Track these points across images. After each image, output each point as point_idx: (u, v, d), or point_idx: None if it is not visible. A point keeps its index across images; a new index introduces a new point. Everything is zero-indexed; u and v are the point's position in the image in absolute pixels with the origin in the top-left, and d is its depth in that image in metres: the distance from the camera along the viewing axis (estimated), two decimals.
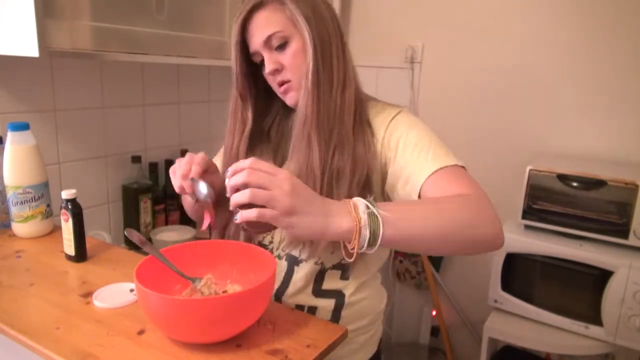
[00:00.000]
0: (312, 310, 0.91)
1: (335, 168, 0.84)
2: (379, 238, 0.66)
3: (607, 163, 1.60)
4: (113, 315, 0.80)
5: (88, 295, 0.86)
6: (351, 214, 0.66)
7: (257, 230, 0.77)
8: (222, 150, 1.05)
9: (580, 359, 1.55)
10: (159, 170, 1.63)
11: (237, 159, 0.86)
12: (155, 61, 1.37)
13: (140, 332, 0.75)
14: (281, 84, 0.88)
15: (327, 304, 0.91)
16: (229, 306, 0.68)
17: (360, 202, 0.68)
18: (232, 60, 0.90)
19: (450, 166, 0.81)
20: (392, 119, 0.88)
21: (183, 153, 1.67)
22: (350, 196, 0.72)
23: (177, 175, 0.82)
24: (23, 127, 1.06)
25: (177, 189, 0.83)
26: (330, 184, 0.84)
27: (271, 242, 0.94)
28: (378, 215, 0.66)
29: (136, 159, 1.51)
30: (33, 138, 1.08)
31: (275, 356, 0.70)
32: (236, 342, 0.72)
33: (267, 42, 0.85)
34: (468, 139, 1.91)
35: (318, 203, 0.67)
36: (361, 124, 0.88)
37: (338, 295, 0.92)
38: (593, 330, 1.41)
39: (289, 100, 0.89)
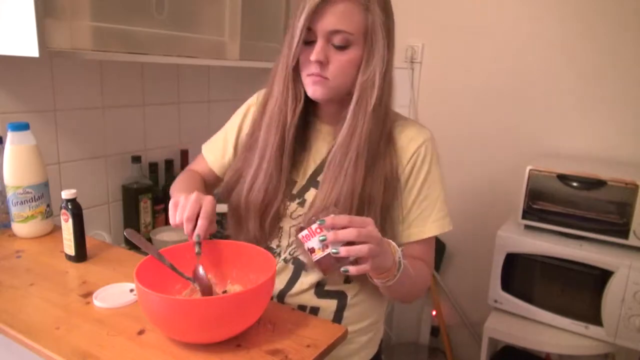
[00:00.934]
0: (315, 310, 0.91)
1: (368, 193, 0.85)
2: (394, 279, 0.78)
3: (607, 163, 1.60)
4: (113, 315, 0.80)
5: (88, 295, 0.86)
6: (394, 257, 0.77)
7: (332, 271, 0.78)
8: (217, 143, 1.05)
9: (580, 359, 1.55)
10: (159, 170, 1.63)
11: (288, 132, 0.87)
12: (155, 61, 1.37)
13: (140, 332, 0.75)
14: (317, 75, 0.84)
15: (329, 305, 0.91)
16: (229, 306, 0.68)
17: (396, 248, 0.78)
18: (297, 29, 0.81)
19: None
20: (418, 148, 0.89)
21: (183, 153, 1.68)
22: (375, 219, 0.79)
23: (182, 217, 0.79)
24: (23, 127, 1.06)
25: (175, 225, 0.80)
26: (361, 209, 0.85)
27: (278, 246, 0.94)
28: (402, 267, 0.78)
29: (136, 159, 1.51)
30: (33, 138, 1.08)
31: (275, 356, 0.70)
32: (236, 342, 0.72)
33: (331, 34, 0.81)
34: (468, 139, 1.91)
35: (385, 244, 0.76)
36: (388, 143, 0.88)
37: (341, 296, 0.92)
38: (593, 330, 1.41)
39: (314, 91, 0.85)
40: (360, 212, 0.84)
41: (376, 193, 0.85)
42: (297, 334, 0.76)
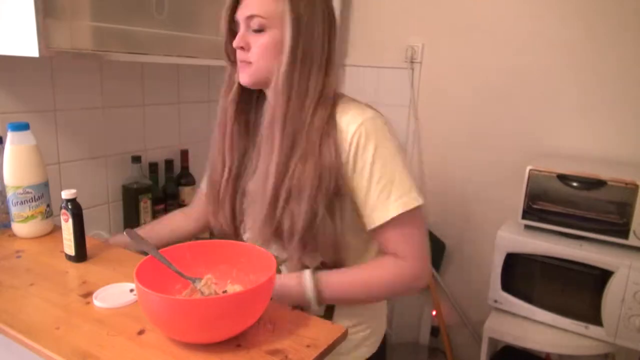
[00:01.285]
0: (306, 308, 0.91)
1: (296, 179, 0.84)
2: (322, 302, 0.87)
3: (607, 163, 1.60)
4: (113, 315, 0.80)
5: (88, 295, 0.86)
6: (299, 288, 0.85)
7: None
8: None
9: (580, 359, 1.55)
10: (159, 170, 1.63)
11: (225, 125, 0.96)
12: (155, 61, 1.37)
13: (140, 332, 0.75)
14: (242, 62, 0.89)
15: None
16: (229, 306, 0.68)
17: (307, 283, 0.85)
18: (222, 23, 0.91)
19: (407, 212, 0.84)
20: (357, 129, 0.85)
21: (183, 153, 1.68)
22: (313, 209, 0.83)
23: None
24: (23, 127, 1.06)
25: None
26: (288, 198, 0.84)
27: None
28: (316, 289, 0.85)
29: (136, 159, 1.51)
30: (33, 138, 1.08)
31: (275, 356, 0.70)
32: (236, 342, 0.72)
33: (248, 20, 0.86)
34: (468, 139, 1.91)
35: (284, 295, 0.85)
36: (330, 126, 0.86)
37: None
38: (593, 330, 1.41)
39: (241, 78, 0.91)
40: (287, 201, 0.84)
41: (306, 180, 0.83)
42: (297, 334, 0.76)
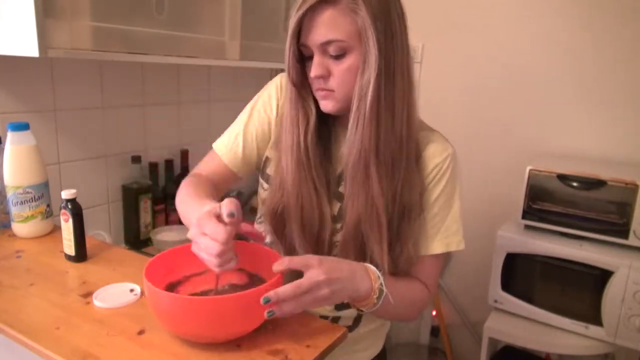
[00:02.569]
0: (336, 319, 0.93)
1: (403, 206, 0.82)
2: (375, 307, 0.78)
3: (607, 163, 1.60)
4: (113, 315, 0.80)
5: (88, 295, 0.86)
6: (369, 287, 0.76)
7: None
8: (229, 136, 0.96)
9: (580, 359, 1.55)
10: (159, 170, 1.63)
11: (305, 153, 0.83)
12: (155, 61, 1.36)
13: (140, 332, 0.75)
14: (322, 90, 0.81)
15: (349, 314, 0.93)
16: (235, 305, 0.68)
17: (377, 275, 0.77)
18: (287, 48, 0.80)
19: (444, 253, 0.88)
20: (441, 162, 0.85)
21: (183, 153, 1.68)
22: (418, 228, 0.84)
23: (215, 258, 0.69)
24: (23, 127, 1.06)
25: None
26: (399, 218, 0.82)
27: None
28: (382, 295, 0.77)
29: (136, 159, 1.51)
30: (33, 138, 1.08)
31: (275, 356, 0.70)
32: (236, 342, 0.72)
33: (324, 45, 0.77)
34: (468, 139, 1.91)
35: (348, 278, 0.74)
36: (413, 152, 0.84)
37: None
38: (593, 330, 1.41)
39: (324, 106, 0.83)
40: (400, 221, 0.82)
41: (413, 206, 0.83)
42: (297, 334, 0.76)
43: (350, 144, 0.81)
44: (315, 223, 0.85)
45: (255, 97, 0.96)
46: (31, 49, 0.99)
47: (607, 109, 1.65)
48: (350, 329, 0.93)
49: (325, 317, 0.91)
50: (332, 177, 0.89)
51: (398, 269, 0.85)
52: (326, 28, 0.76)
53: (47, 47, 1.00)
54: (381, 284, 0.77)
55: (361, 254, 0.83)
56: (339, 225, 0.87)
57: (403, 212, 0.82)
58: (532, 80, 1.75)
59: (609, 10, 1.60)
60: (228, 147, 0.96)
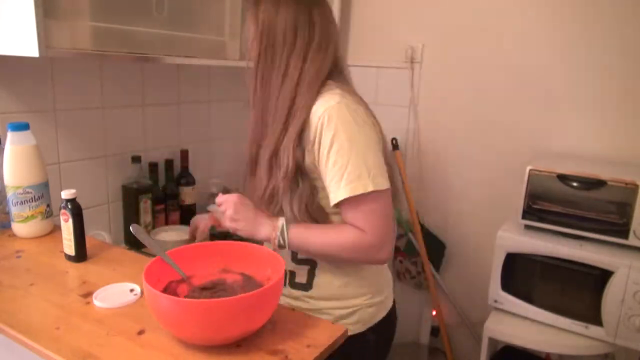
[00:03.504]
0: (293, 274, 1.03)
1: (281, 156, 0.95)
2: (285, 244, 0.95)
3: (607, 163, 1.60)
4: (113, 315, 0.80)
5: (88, 295, 0.86)
6: (271, 231, 0.95)
7: None
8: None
9: (580, 359, 1.55)
10: (159, 170, 1.63)
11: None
12: (155, 61, 1.37)
13: (140, 332, 0.75)
14: None
15: (302, 268, 1.02)
16: (237, 308, 0.68)
17: (280, 223, 0.95)
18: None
19: (360, 195, 0.89)
20: (321, 116, 0.91)
21: (183, 153, 1.68)
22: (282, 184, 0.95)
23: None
24: (23, 127, 1.07)
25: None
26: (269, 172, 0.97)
27: None
28: (285, 234, 0.94)
29: (136, 159, 1.51)
30: (33, 138, 1.08)
31: (275, 356, 0.70)
32: (236, 342, 0.72)
33: None
34: (468, 139, 1.91)
35: (251, 220, 0.98)
36: (302, 114, 0.94)
37: (312, 262, 1.02)
38: (593, 330, 1.41)
39: None
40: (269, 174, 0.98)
41: (265, 157, 0.97)
42: (297, 334, 0.76)
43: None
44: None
45: (357, 130, 0.95)
46: (31, 49, 0.99)
47: (607, 109, 1.65)
48: (305, 287, 1.02)
49: (285, 272, 0.97)
50: None
51: (314, 218, 0.96)
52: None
53: (47, 47, 1.00)
54: (282, 231, 0.93)
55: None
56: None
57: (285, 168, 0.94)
58: (532, 80, 1.75)
59: (608, 11, 1.60)
60: (386, 177, 0.97)
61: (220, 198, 1.01)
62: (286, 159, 0.93)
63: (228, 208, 0.98)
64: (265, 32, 0.95)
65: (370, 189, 0.89)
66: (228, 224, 0.98)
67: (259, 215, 0.98)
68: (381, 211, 0.92)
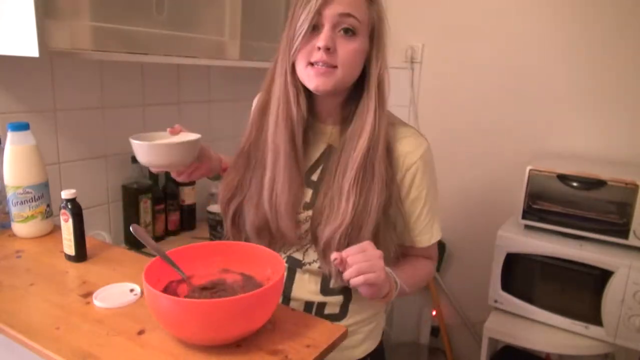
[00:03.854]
0: (322, 305, 0.94)
1: (366, 196, 0.85)
2: (392, 297, 0.86)
3: (607, 163, 1.60)
4: (113, 315, 0.80)
5: (88, 295, 0.86)
6: (391, 285, 0.84)
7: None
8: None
9: (580, 359, 1.55)
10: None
11: (298, 134, 0.86)
12: (155, 61, 1.37)
13: (140, 332, 0.75)
14: (323, 63, 0.80)
15: (336, 300, 0.93)
16: (238, 308, 0.68)
17: (393, 277, 0.86)
18: (306, 15, 0.79)
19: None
20: (420, 158, 0.88)
21: None
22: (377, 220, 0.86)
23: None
24: (23, 127, 1.06)
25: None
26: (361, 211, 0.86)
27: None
28: (398, 286, 0.86)
29: (136, 159, 1.51)
30: (33, 138, 1.08)
31: (275, 356, 0.70)
32: (236, 342, 0.72)
33: (341, 17, 0.79)
34: (468, 139, 1.91)
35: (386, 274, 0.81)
36: (386, 148, 0.87)
37: (346, 291, 0.93)
38: (593, 330, 1.41)
39: (317, 82, 0.81)
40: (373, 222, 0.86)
41: (378, 198, 0.84)
42: (297, 334, 0.76)
43: (360, 129, 0.84)
44: (294, 196, 0.89)
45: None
46: (31, 49, 0.99)
47: (607, 109, 1.65)
48: (337, 317, 0.94)
49: (311, 303, 0.93)
50: (307, 164, 0.92)
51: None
52: (347, 3, 0.79)
53: (47, 47, 1.00)
54: (395, 280, 0.85)
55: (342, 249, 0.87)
56: (305, 212, 0.89)
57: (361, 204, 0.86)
58: (532, 80, 1.75)
59: (609, 11, 1.60)
60: None
61: (351, 251, 0.77)
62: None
63: (376, 260, 0.77)
64: (385, 46, 0.88)
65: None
66: (376, 281, 0.77)
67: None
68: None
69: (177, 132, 1.00)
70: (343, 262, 0.76)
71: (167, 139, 0.99)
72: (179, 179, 1.02)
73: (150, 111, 1.62)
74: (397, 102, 2.00)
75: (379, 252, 0.78)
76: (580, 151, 1.70)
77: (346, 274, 0.76)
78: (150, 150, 0.93)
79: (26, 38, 0.99)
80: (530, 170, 1.52)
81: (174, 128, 1.00)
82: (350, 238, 0.83)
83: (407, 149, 0.88)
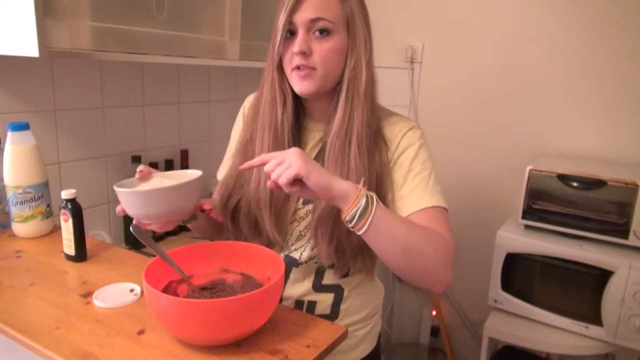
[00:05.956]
0: (312, 304, 0.93)
1: (375, 181, 0.86)
2: (371, 214, 0.73)
3: (607, 163, 1.60)
4: (113, 315, 0.80)
5: (88, 295, 0.86)
6: (354, 185, 0.75)
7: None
8: (227, 160, 1.06)
9: (580, 359, 1.55)
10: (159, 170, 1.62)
11: (281, 133, 0.88)
12: (155, 61, 1.37)
13: (140, 332, 0.75)
14: (303, 67, 0.84)
15: (326, 298, 0.93)
16: (238, 307, 0.68)
17: (365, 190, 0.76)
18: (280, 24, 0.83)
19: (438, 207, 0.85)
20: (406, 133, 0.89)
21: (183, 153, 1.68)
22: None
23: None
24: (23, 127, 1.06)
25: None
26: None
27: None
28: (374, 198, 0.74)
29: (136, 159, 1.51)
30: (33, 138, 1.08)
31: (275, 356, 0.70)
32: (236, 342, 0.72)
33: (312, 22, 0.82)
34: (468, 139, 1.91)
35: (323, 170, 0.75)
36: (377, 136, 0.88)
37: (337, 289, 0.93)
38: (593, 330, 1.41)
39: (302, 86, 0.85)
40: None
41: (371, 187, 0.85)
42: (297, 334, 0.76)
43: (340, 123, 0.85)
44: (281, 199, 0.90)
45: (238, 118, 1.06)
46: (31, 49, 0.99)
47: (607, 109, 1.65)
48: (328, 319, 0.90)
49: (301, 302, 0.92)
50: None
51: None
52: (316, 7, 0.82)
53: (47, 47, 1.00)
54: (369, 196, 0.74)
55: (336, 230, 0.84)
56: (304, 204, 0.91)
57: (375, 187, 0.85)
58: (532, 80, 1.75)
59: (609, 11, 1.60)
60: (223, 170, 1.05)
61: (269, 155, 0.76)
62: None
63: (290, 155, 0.73)
64: (369, 37, 0.91)
65: (446, 206, 0.86)
66: (297, 171, 0.70)
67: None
68: (451, 228, 0.85)
69: (147, 174, 0.90)
70: (273, 183, 0.74)
71: (156, 184, 0.87)
72: (164, 230, 0.86)
73: (150, 111, 1.62)
74: (397, 102, 2.00)
75: (293, 149, 0.74)
76: (580, 151, 1.70)
77: (269, 183, 0.74)
78: (159, 195, 0.78)
79: (26, 38, 0.99)
80: (530, 170, 1.52)
81: (142, 172, 0.89)
82: (336, 218, 0.84)
83: (396, 130, 0.90)
